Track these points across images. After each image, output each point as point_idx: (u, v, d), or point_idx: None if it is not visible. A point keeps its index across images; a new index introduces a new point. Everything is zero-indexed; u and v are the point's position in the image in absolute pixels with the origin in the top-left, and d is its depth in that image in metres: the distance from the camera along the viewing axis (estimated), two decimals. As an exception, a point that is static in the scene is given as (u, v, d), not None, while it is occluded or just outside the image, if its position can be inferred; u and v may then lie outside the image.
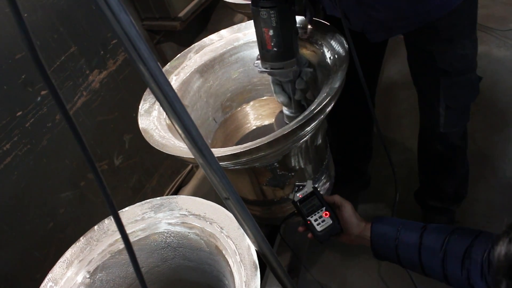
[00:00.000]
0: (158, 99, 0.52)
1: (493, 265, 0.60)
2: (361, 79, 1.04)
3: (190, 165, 2.16)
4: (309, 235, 1.06)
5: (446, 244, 0.87)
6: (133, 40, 0.46)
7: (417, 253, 0.91)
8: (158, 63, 0.50)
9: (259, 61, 1.10)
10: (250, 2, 1.55)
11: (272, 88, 1.18)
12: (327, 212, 1.03)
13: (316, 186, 1.07)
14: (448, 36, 1.10)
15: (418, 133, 1.49)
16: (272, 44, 1.00)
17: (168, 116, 0.54)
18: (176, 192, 2.10)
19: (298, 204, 1.06)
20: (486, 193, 1.65)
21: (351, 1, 1.03)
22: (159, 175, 1.97)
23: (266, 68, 1.08)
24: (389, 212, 1.70)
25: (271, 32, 0.98)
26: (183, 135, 0.56)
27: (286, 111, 1.22)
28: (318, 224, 1.03)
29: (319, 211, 1.04)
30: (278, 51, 1.02)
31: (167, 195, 2.03)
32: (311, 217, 1.04)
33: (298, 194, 1.07)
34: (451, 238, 0.88)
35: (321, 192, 1.12)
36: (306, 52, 1.19)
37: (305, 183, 1.08)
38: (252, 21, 1.32)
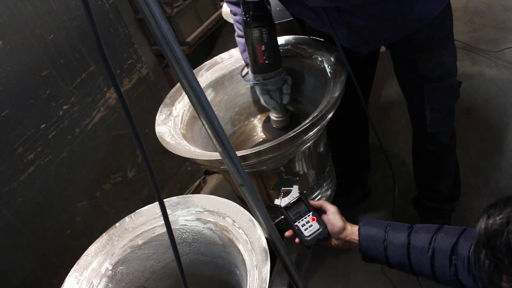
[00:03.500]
0: (187, 92, 0.63)
1: (475, 239, 0.67)
2: (358, 90, 1.14)
3: (198, 181, 2.26)
4: (297, 240, 1.06)
5: (433, 242, 0.91)
6: (170, 42, 0.57)
7: (406, 253, 0.94)
8: (188, 63, 0.60)
9: (248, 76, 1.29)
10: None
11: (261, 98, 1.34)
12: (314, 217, 1.04)
13: (301, 191, 1.09)
14: (426, 47, 1.22)
15: (414, 145, 1.59)
16: (264, 57, 1.20)
17: (194, 107, 0.64)
18: (184, 206, 2.18)
19: (285, 210, 1.06)
20: (480, 201, 1.74)
21: (333, 11, 1.15)
22: (169, 189, 2.07)
23: (259, 80, 1.26)
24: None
25: (263, 48, 1.18)
26: (206, 125, 0.66)
27: (273, 116, 1.38)
28: (305, 230, 1.03)
29: (306, 216, 1.05)
30: (269, 63, 1.21)
31: (175, 208, 2.11)
32: (298, 222, 1.04)
33: (284, 200, 1.08)
34: (437, 237, 0.91)
35: (323, 199, 1.19)
36: (307, 66, 1.31)
37: (291, 188, 1.09)
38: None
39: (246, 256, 0.90)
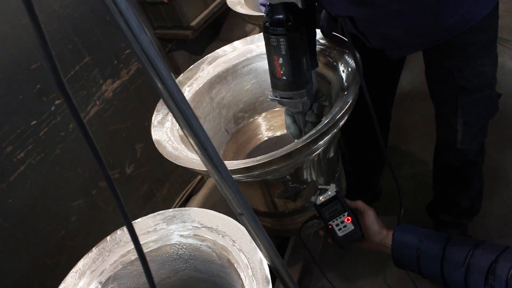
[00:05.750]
0: (175, 116, 0.52)
1: None
2: (366, 96, 1.00)
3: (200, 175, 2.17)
4: (330, 240, 1.05)
5: (469, 258, 0.86)
6: (152, 60, 0.47)
7: (439, 265, 0.90)
8: (176, 82, 0.50)
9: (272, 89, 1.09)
10: (262, 14, 1.57)
11: (284, 118, 1.17)
12: (349, 218, 1.02)
13: (338, 190, 1.05)
14: (467, 53, 1.08)
15: (429, 145, 1.47)
16: (282, 72, 1.00)
17: (185, 133, 0.54)
18: (186, 200, 2.11)
19: (320, 207, 1.04)
20: (499, 207, 1.63)
21: (364, 22, 1.03)
22: (170, 184, 1.98)
23: (276, 97, 1.06)
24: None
25: (280, 60, 0.98)
26: (199, 152, 0.56)
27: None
28: (339, 229, 1.02)
29: (341, 216, 1.03)
30: (287, 80, 1.00)
31: (177, 203, 2.04)
32: (333, 221, 1.03)
33: (320, 198, 1.04)
34: (475, 252, 0.86)
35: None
36: (320, 64, 1.19)
37: (328, 187, 1.06)
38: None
39: (246, 283, 0.82)
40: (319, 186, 1.07)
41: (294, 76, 0.99)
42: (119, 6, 0.42)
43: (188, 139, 0.55)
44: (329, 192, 1.04)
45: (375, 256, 1.64)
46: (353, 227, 1.01)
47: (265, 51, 1.30)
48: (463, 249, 0.87)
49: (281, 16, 0.93)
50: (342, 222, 1.02)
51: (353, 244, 1.04)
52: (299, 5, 0.89)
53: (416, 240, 0.94)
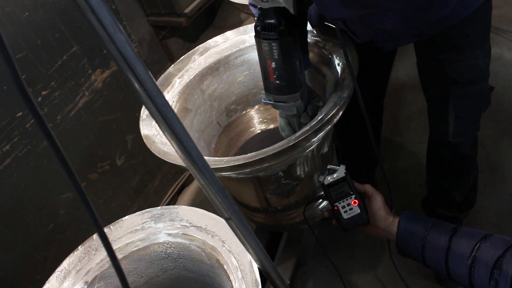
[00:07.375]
0: (156, 120, 0.49)
1: None
2: (356, 90, 0.97)
3: (194, 165, 2.14)
4: (334, 221, 1.04)
5: (476, 251, 0.84)
6: (129, 61, 0.43)
7: (444, 257, 0.88)
8: (156, 83, 0.47)
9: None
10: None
11: (278, 121, 1.16)
12: (356, 201, 1.01)
13: (347, 172, 1.03)
14: (459, 46, 1.06)
15: (425, 137, 1.45)
16: (275, 76, 0.98)
17: (167, 138, 0.51)
18: (179, 192, 2.08)
19: (328, 188, 1.03)
20: (495, 201, 1.61)
21: (355, 19, 1.00)
22: (162, 175, 1.95)
23: (270, 100, 1.05)
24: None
25: (273, 65, 0.95)
26: (182, 157, 0.53)
27: None
28: (345, 212, 1.01)
29: (348, 198, 1.01)
30: (281, 84, 0.99)
31: (170, 195, 2.01)
32: (339, 203, 1.01)
33: (328, 178, 1.03)
34: (482, 245, 0.84)
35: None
36: (313, 57, 1.16)
37: (337, 167, 1.04)
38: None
39: (236, 286, 0.79)
40: (328, 166, 1.06)
41: (288, 80, 0.97)
42: (90, 2, 0.39)
43: (171, 144, 0.52)
44: (338, 173, 1.03)
45: (371, 247, 1.63)
46: (359, 211, 1.00)
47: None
48: (469, 241, 0.86)
49: (272, 21, 0.90)
50: (349, 204, 1.01)
51: (357, 228, 1.03)
52: (292, 11, 0.86)
53: (422, 229, 0.92)
